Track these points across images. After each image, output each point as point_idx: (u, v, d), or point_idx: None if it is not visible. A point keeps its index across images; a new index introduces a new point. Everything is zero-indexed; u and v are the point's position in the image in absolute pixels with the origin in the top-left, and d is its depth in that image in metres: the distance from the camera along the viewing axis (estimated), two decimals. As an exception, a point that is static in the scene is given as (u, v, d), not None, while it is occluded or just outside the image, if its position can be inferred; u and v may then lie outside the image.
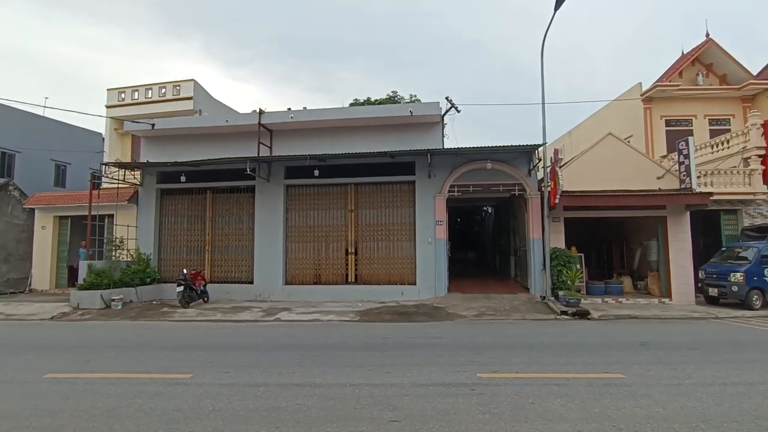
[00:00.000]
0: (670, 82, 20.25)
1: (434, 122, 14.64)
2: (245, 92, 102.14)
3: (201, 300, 13.69)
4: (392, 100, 26.84)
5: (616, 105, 22.11)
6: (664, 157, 18.43)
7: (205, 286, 13.98)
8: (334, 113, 14.87)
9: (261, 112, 14.87)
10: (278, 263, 14.81)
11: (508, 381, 5.69)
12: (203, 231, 15.70)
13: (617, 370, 6.16)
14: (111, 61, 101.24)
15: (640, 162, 14.32)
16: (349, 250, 14.85)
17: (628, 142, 16.76)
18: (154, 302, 13.82)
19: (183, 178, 14.91)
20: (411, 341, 8.57)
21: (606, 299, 13.82)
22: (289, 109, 15.53)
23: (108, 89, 19.75)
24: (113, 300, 12.79)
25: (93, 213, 14.88)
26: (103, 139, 20.74)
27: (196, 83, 19.14)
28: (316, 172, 14.33)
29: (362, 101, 27.05)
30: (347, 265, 14.83)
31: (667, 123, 20.33)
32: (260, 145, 14.72)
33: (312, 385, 5.57)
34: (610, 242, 18.43)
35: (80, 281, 13.40)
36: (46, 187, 20.66)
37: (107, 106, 19.62)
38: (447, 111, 14.47)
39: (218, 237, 15.65)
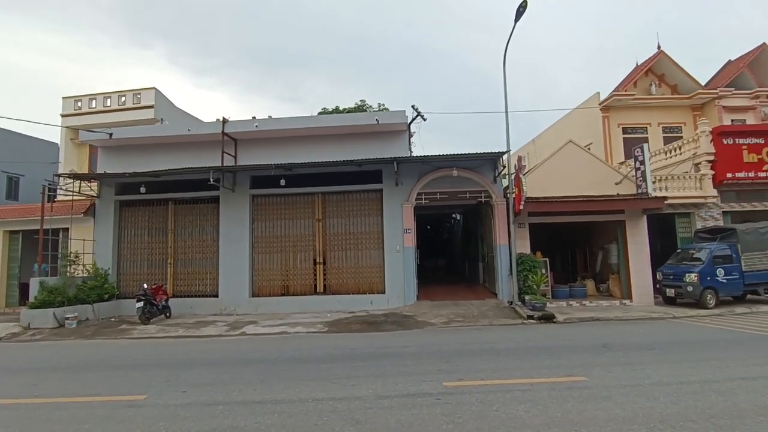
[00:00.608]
0: (626, 91, 21.11)
1: (401, 130, 14.71)
2: (213, 101, 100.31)
3: (163, 315, 13.18)
4: (360, 109, 26.89)
5: (576, 114, 22.86)
6: (622, 163, 19.13)
7: (167, 300, 13.47)
8: (300, 122, 14.73)
9: (225, 120, 14.57)
10: (244, 275, 14.46)
11: (473, 389, 5.68)
12: (165, 243, 15.16)
13: (580, 373, 6.26)
14: (69, 69, 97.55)
15: (600, 168, 14.79)
16: (318, 260, 14.66)
17: (589, 149, 17.33)
18: (113, 319, 13.21)
19: (143, 189, 14.38)
20: (379, 351, 8.48)
21: (571, 302, 14.13)
22: (254, 117, 15.27)
23: (63, 97, 18.92)
24: (67, 318, 12.13)
25: (46, 227, 14.15)
26: (60, 149, 19.80)
27: (157, 91, 18.59)
28: (283, 182, 14.12)
29: (331, 110, 26.98)
30: (315, 275, 14.63)
31: (624, 130, 21.14)
32: (224, 154, 14.41)
33: (274, 402, 5.40)
34: (574, 246, 18.93)
35: (31, 299, 12.66)
36: (-5, 200, 19.53)
37: (62, 115, 18.79)
38: (413, 119, 14.57)
39: (181, 249, 15.14)
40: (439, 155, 13.58)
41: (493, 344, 8.86)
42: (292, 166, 13.81)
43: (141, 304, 12.40)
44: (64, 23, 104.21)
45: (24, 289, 15.79)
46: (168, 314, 13.31)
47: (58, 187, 15.13)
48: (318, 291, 14.52)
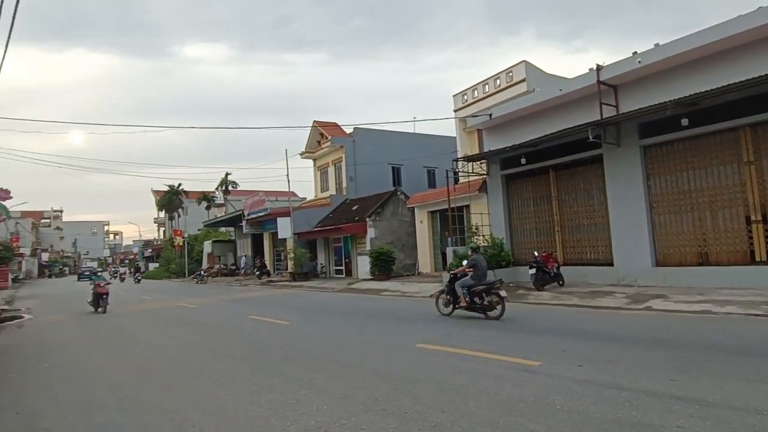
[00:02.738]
0: None
1: None
2: (586, 63, 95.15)
3: (555, 283, 12.99)
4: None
5: None
6: None
7: (558, 268, 13.19)
8: (706, 35, 10.98)
9: (599, 67, 12.84)
10: (643, 241, 12.30)
11: None
12: (550, 212, 14.95)
13: None
14: (461, 76, 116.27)
15: None
16: (753, 218, 10.63)
17: None
18: (511, 284, 14.08)
19: (523, 161, 14.70)
20: None
21: None
22: (635, 53, 12.70)
23: (453, 95, 22.11)
24: (475, 281, 13.84)
25: (452, 206, 16.79)
26: (456, 140, 23.30)
27: (527, 63, 18.71)
28: (685, 122, 11.03)
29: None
30: (751, 238, 10.68)
31: None
32: (602, 106, 12.70)
33: (703, 404, 3.88)
34: None
35: (448, 265, 15.29)
36: (421, 188, 25.15)
37: (455, 110, 21.96)
38: None
39: (567, 216, 14.54)
40: None
41: None
42: (698, 99, 10.51)
43: (534, 270, 12.64)
44: (447, 41, 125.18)
45: (443, 256, 19.43)
46: (561, 282, 13.01)
47: (458, 170, 17.62)
48: (757, 260, 10.53)
